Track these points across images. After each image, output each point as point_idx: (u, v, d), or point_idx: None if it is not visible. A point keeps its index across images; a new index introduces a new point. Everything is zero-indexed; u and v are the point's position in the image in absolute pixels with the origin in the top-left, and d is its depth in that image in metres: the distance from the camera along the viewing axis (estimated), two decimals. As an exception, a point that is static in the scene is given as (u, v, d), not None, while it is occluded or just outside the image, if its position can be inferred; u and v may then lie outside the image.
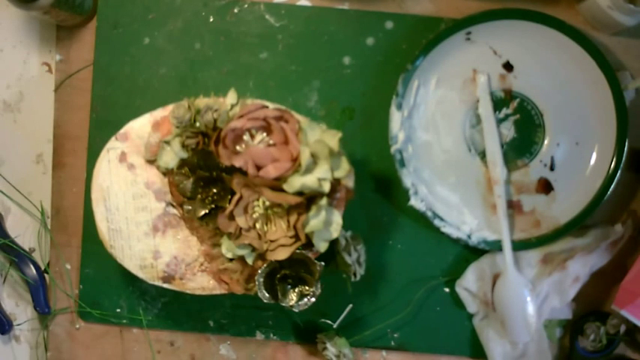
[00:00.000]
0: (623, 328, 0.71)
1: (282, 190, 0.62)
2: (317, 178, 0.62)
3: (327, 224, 0.64)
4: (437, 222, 0.71)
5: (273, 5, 0.74)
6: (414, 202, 0.71)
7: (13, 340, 0.79)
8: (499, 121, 0.72)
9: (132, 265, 0.67)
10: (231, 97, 0.65)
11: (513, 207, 0.72)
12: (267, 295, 0.65)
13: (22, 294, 0.78)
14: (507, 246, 0.71)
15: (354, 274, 0.70)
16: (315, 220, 0.63)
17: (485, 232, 0.72)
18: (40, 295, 0.76)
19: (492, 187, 0.71)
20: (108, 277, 0.76)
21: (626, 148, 0.69)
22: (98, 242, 0.68)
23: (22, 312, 0.79)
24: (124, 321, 0.76)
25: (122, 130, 0.67)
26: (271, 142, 0.63)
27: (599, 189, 0.70)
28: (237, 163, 0.62)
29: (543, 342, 0.73)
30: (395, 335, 0.75)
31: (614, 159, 0.69)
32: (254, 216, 0.64)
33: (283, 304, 0.66)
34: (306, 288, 0.66)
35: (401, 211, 0.74)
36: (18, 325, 0.79)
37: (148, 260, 0.67)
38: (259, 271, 0.65)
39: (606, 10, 0.68)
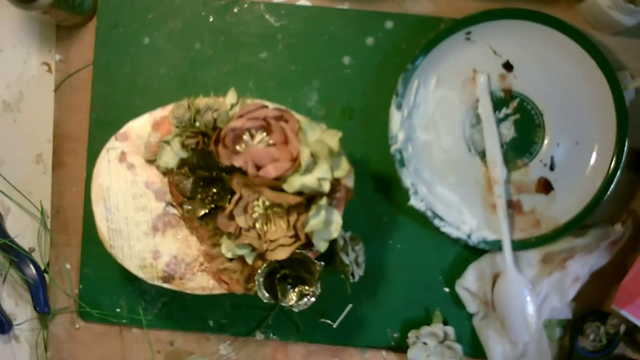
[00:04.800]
0: (623, 328, 0.71)
1: (282, 190, 0.62)
2: (317, 177, 0.62)
3: (326, 224, 0.64)
4: (437, 222, 0.71)
5: (273, 5, 0.74)
6: (413, 202, 0.71)
7: (13, 340, 0.79)
8: (499, 121, 0.72)
9: (132, 265, 0.67)
10: (231, 96, 0.65)
11: (513, 207, 0.72)
12: (267, 295, 0.65)
13: (21, 294, 0.78)
14: (507, 246, 0.71)
15: (352, 275, 0.70)
16: (315, 220, 0.63)
17: (485, 231, 0.72)
18: (39, 294, 0.76)
19: (492, 187, 0.71)
20: (108, 277, 0.76)
21: (626, 148, 0.69)
22: (98, 242, 0.68)
23: (22, 312, 0.79)
24: (124, 321, 0.76)
25: (122, 130, 0.67)
26: (271, 141, 0.63)
27: (599, 189, 0.70)
28: (237, 163, 0.62)
29: (543, 342, 0.73)
30: (395, 335, 0.75)
31: (614, 159, 0.69)
32: (254, 216, 0.64)
33: (283, 304, 0.66)
34: (306, 288, 0.66)
35: (401, 211, 0.74)
36: (18, 325, 0.78)
37: (147, 260, 0.67)
38: (259, 271, 0.65)
39: (606, 10, 0.68)
